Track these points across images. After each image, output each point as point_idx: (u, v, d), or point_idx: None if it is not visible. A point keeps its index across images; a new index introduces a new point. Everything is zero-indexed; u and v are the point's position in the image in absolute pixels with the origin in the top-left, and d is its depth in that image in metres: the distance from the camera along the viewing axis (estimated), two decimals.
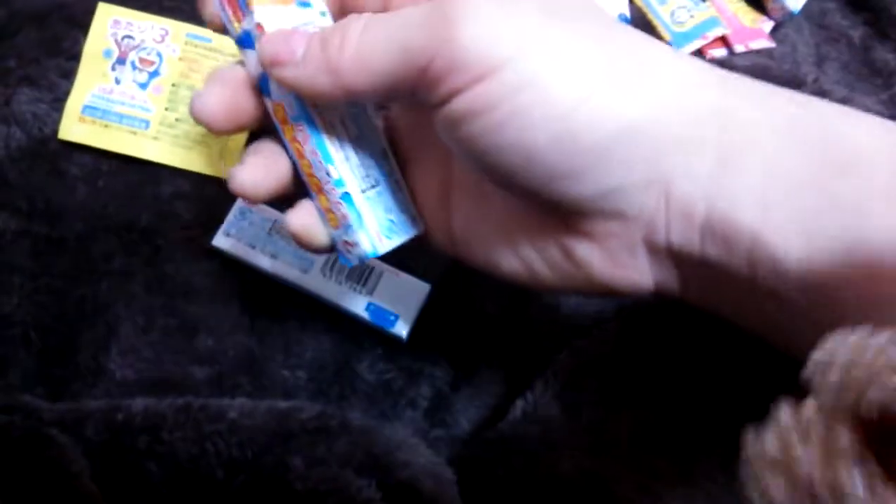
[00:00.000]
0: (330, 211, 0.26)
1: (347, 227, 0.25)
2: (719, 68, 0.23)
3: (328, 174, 0.25)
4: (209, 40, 0.37)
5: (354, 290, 0.35)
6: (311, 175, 0.25)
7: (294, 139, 0.25)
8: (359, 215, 0.25)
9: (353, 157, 0.25)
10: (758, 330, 0.24)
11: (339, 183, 0.25)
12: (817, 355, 0.17)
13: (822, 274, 0.21)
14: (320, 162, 0.25)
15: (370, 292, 0.35)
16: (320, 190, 0.25)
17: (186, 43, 0.37)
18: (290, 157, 0.26)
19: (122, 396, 0.35)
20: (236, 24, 0.25)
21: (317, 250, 0.27)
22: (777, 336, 0.24)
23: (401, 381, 0.35)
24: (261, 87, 0.25)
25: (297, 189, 0.27)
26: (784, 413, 0.16)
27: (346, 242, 0.26)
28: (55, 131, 0.37)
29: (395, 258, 0.36)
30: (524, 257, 0.25)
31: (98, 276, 0.36)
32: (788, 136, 0.22)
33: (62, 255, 0.36)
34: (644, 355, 0.32)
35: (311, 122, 0.24)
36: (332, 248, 0.27)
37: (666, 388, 0.31)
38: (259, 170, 0.25)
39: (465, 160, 0.23)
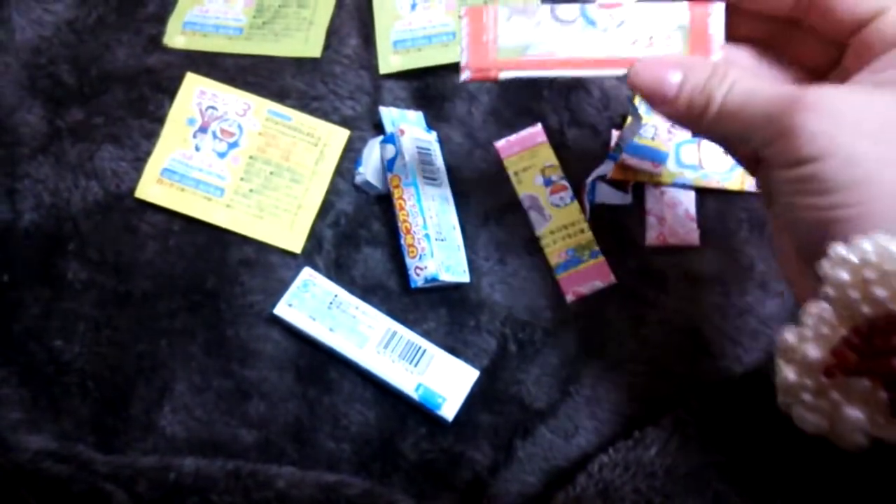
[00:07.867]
0: (412, 246, 0.38)
1: (422, 256, 0.37)
2: None
3: (419, 222, 0.38)
4: (289, 119, 0.39)
5: (406, 369, 0.36)
6: (405, 221, 0.38)
7: (401, 198, 0.38)
8: (431, 250, 0.37)
9: (434, 218, 0.38)
10: None
11: (424, 227, 0.38)
12: (836, 251, 0.21)
13: None
14: (417, 213, 0.38)
15: (421, 373, 0.36)
16: (409, 231, 0.38)
17: (267, 119, 0.39)
18: (394, 210, 0.38)
19: (170, 453, 0.36)
20: None
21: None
22: None
23: (442, 463, 0.36)
24: (387, 165, 0.39)
25: None
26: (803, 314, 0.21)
27: (419, 268, 0.37)
28: (132, 189, 0.39)
29: (448, 343, 0.37)
30: None
31: (159, 333, 0.37)
32: None
33: (127, 309, 0.38)
34: (686, 465, 0.33)
35: (416, 189, 0.38)
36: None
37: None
38: None
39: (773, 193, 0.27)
